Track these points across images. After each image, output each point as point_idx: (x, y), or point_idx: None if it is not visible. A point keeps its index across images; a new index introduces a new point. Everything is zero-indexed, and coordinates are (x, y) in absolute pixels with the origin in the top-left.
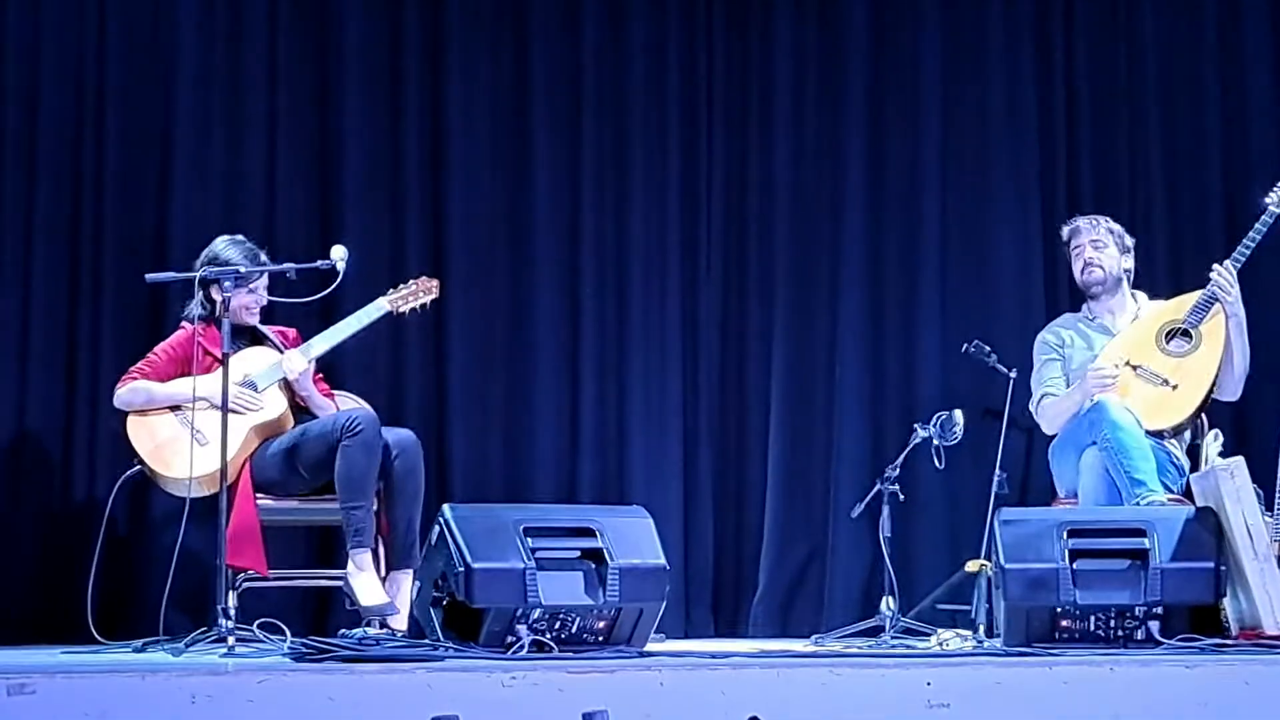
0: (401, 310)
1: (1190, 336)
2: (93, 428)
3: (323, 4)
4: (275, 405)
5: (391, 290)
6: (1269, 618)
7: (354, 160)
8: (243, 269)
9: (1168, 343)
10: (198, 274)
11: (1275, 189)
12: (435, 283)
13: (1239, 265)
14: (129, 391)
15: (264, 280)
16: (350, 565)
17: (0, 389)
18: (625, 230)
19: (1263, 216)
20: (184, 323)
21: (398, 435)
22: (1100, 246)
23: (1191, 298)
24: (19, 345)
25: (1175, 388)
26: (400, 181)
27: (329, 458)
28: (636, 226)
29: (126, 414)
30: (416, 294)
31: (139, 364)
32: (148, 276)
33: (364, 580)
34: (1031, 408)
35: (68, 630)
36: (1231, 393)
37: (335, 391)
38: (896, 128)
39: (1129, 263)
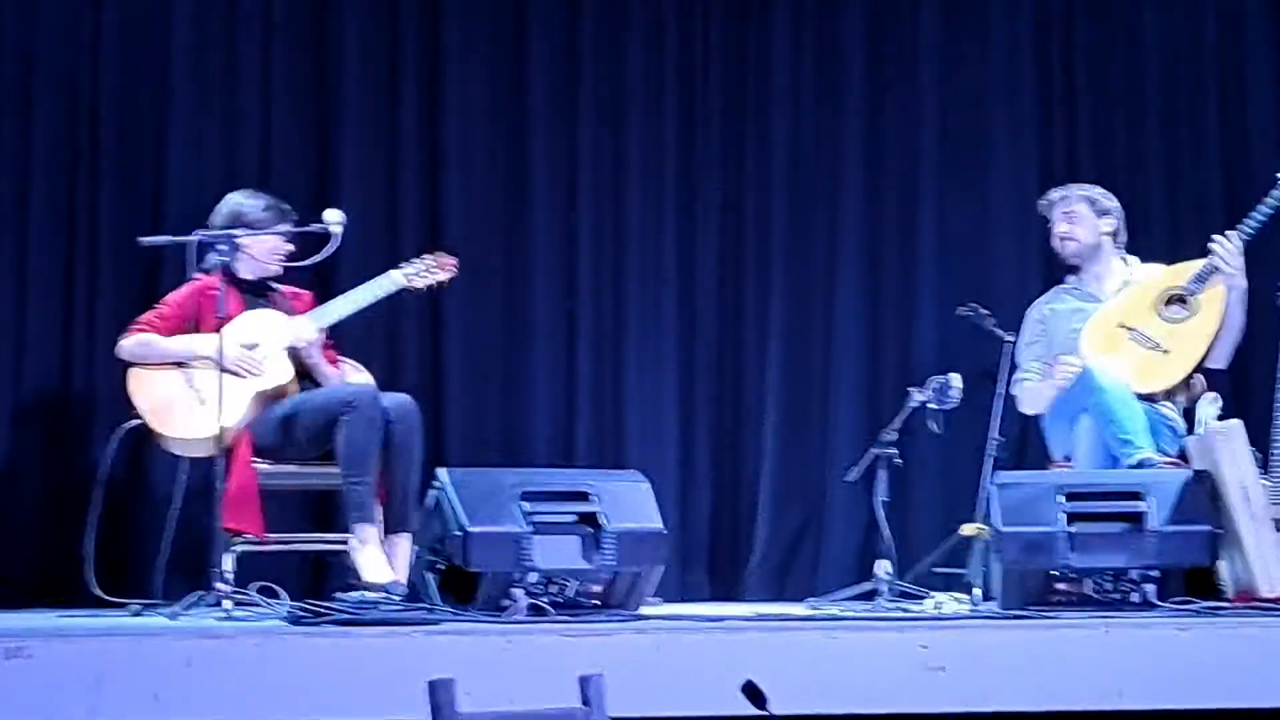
0: (416, 286)
1: (1187, 304)
2: (90, 391)
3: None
4: (280, 372)
5: (405, 264)
6: (1265, 581)
7: (352, 124)
8: (238, 234)
9: (1166, 308)
10: (195, 238)
11: None
12: (454, 260)
13: (1246, 238)
14: (134, 344)
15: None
16: (353, 540)
17: None
18: (622, 197)
19: (1274, 191)
20: (198, 273)
21: (396, 400)
22: (1073, 218)
23: (1192, 265)
24: (16, 307)
25: (1167, 353)
26: (397, 149)
27: (327, 430)
28: (634, 194)
29: (128, 366)
30: (433, 270)
31: (146, 315)
32: (141, 240)
33: (368, 554)
34: (1012, 390)
35: (64, 592)
36: (1222, 360)
37: (341, 358)
38: (896, 89)
39: (1109, 225)
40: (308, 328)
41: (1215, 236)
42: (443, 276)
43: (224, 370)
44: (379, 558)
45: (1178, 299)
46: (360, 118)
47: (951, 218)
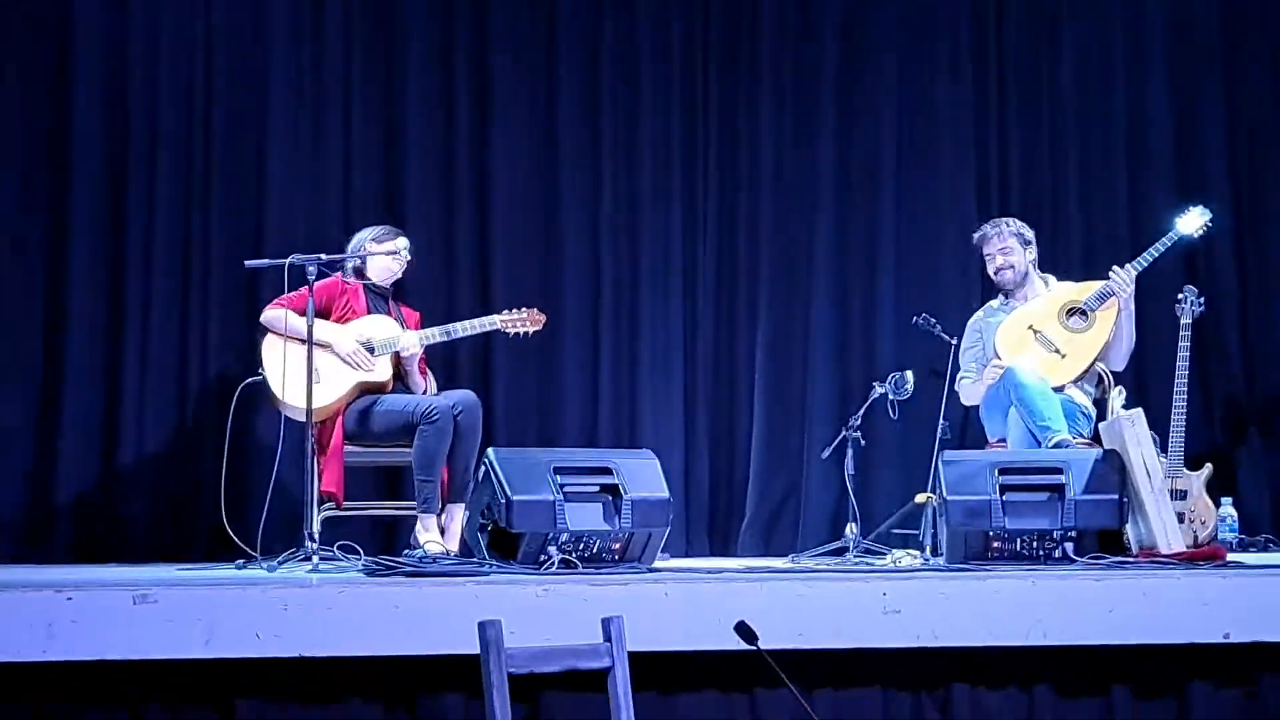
0: (509, 331)
1: (1086, 317)
2: (203, 382)
3: (389, 30)
4: (383, 370)
5: (507, 311)
6: (1163, 540)
7: (414, 164)
8: (324, 257)
9: (1068, 318)
10: (288, 261)
11: (1183, 213)
12: (544, 318)
13: (1138, 270)
14: (274, 315)
15: (405, 249)
16: (419, 525)
17: (134, 343)
18: (635, 222)
19: (1169, 234)
20: (337, 274)
21: (463, 395)
22: (1008, 252)
23: (1093, 286)
24: (144, 312)
25: (1064, 356)
26: (452, 177)
27: (402, 430)
28: (645, 218)
29: (266, 332)
30: (525, 323)
31: (289, 294)
32: (247, 263)
33: (429, 538)
34: (955, 387)
35: (178, 549)
36: (1119, 365)
37: (426, 369)
38: (860, 131)
39: (1032, 253)
40: (413, 341)
41: (1115, 268)
42: (530, 329)
43: (339, 358)
44: (436, 539)
45: (1079, 311)
46: (421, 152)
47: (906, 243)
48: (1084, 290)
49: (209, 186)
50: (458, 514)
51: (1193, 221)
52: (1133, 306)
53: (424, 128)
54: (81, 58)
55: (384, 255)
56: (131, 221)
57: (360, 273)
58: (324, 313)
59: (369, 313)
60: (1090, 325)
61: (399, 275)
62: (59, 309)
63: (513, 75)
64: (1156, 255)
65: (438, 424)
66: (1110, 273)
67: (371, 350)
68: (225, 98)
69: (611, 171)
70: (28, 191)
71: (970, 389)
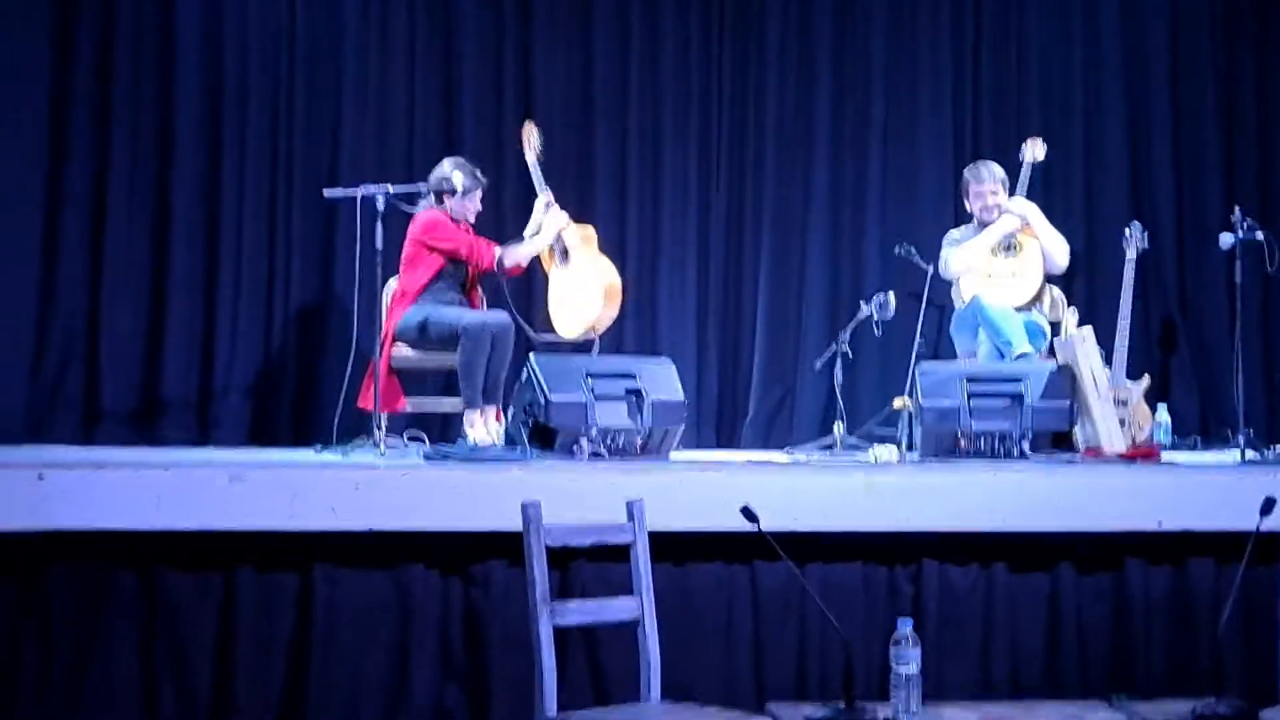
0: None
1: (1013, 248)
2: (287, 290)
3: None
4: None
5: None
6: (1106, 441)
7: (469, 117)
8: (391, 188)
9: (1004, 254)
10: (360, 191)
11: (1026, 144)
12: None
13: (1021, 195)
14: (503, 255)
15: (479, 192)
16: (464, 420)
17: (229, 259)
18: (659, 182)
19: (1023, 166)
20: (427, 205)
21: (498, 316)
22: (997, 195)
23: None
24: (236, 235)
25: (1016, 276)
26: (502, 121)
27: (448, 340)
28: (666, 155)
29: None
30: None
31: (475, 240)
32: (325, 192)
33: (475, 427)
34: (941, 267)
35: (264, 435)
36: (1063, 262)
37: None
38: (853, 89)
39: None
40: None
41: (1005, 204)
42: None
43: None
44: (482, 428)
45: (1006, 247)
46: (476, 126)
47: (890, 179)
48: (995, 231)
49: (292, 126)
50: (490, 413)
51: (1038, 150)
52: (1028, 210)
53: (478, 75)
54: (183, 24)
55: (459, 195)
56: (226, 155)
57: (440, 197)
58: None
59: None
60: (1021, 248)
61: (475, 213)
62: (163, 235)
63: (550, 41)
64: (1025, 182)
65: (476, 338)
66: (1004, 213)
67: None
68: (305, 49)
69: (638, 121)
70: (137, 140)
71: (957, 253)
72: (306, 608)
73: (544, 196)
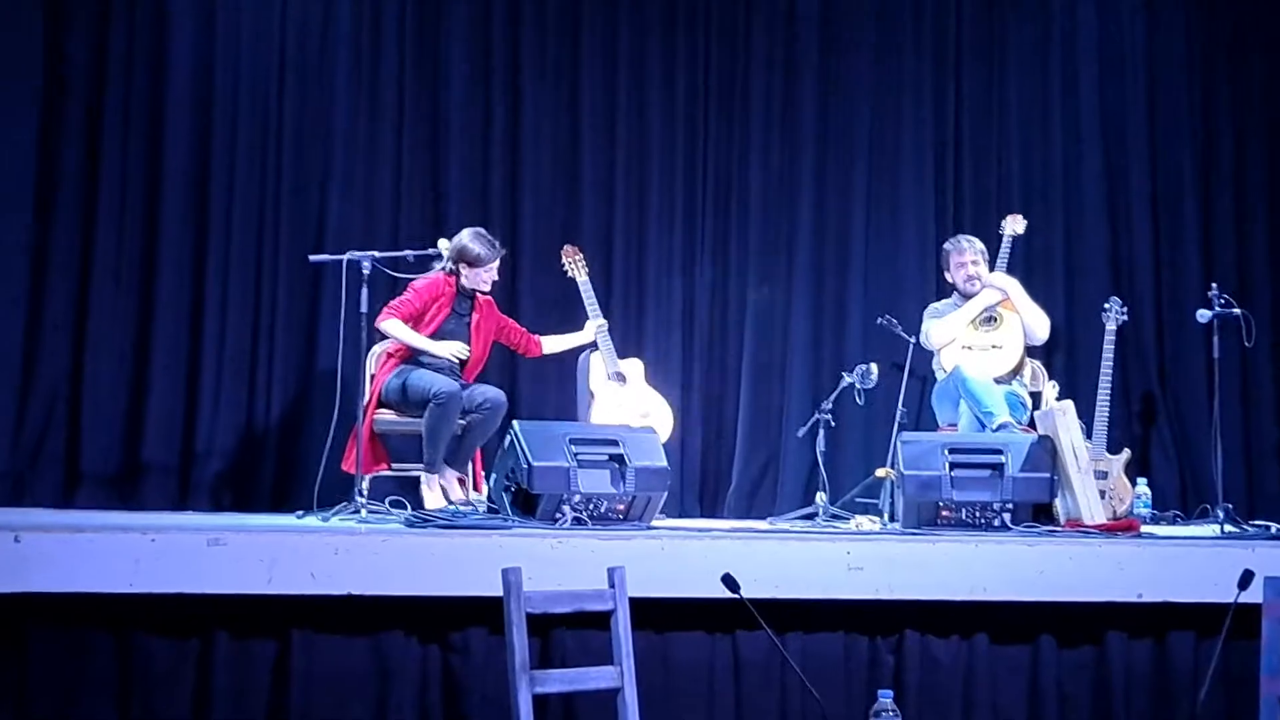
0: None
1: (995, 320)
2: (271, 354)
3: (434, 62)
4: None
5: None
6: (1086, 513)
7: (456, 177)
8: (377, 254)
9: (985, 326)
10: (345, 257)
11: (1006, 220)
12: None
13: (1001, 269)
14: (389, 325)
15: (496, 263)
16: (423, 478)
17: (213, 327)
18: (644, 234)
19: (1004, 240)
20: (438, 270)
21: (494, 392)
22: (978, 266)
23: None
24: (222, 300)
25: (1001, 349)
26: (487, 192)
27: (419, 404)
28: (651, 232)
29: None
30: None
31: (398, 300)
32: (311, 257)
33: (433, 491)
34: (923, 339)
35: (245, 501)
36: (1039, 339)
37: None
38: (835, 162)
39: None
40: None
41: (989, 278)
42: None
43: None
44: (438, 493)
45: (988, 319)
46: (461, 158)
47: (873, 251)
48: (975, 304)
49: (279, 190)
50: (452, 477)
51: (1018, 225)
52: (1009, 285)
53: (463, 128)
54: (174, 78)
55: (488, 269)
56: (213, 221)
57: (456, 265)
58: (422, 314)
59: (452, 309)
60: (1001, 321)
61: (488, 283)
62: (149, 299)
63: (538, 83)
64: (1005, 257)
65: (444, 406)
66: (985, 286)
67: (621, 379)
68: (295, 109)
69: (624, 192)
70: (126, 191)
71: (939, 325)
72: (284, 673)
73: (595, 320)
